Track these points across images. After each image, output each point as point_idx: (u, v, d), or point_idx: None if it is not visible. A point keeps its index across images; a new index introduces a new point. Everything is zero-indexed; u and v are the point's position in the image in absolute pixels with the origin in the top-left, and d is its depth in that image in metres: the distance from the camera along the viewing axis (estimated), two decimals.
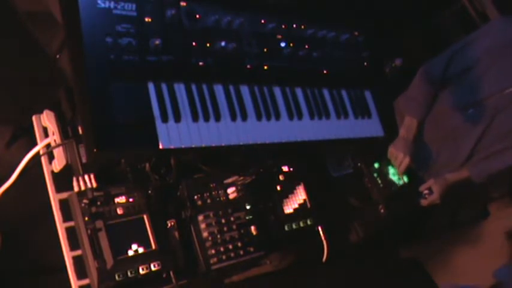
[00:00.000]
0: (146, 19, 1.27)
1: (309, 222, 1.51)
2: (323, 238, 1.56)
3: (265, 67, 1.47)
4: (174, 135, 1.23)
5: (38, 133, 1.34)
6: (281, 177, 1.52)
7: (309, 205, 1.53)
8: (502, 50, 1.60)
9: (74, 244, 1.21)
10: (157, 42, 1.25)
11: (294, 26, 1.57)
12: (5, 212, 1.39)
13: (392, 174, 1.74)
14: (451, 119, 1.70)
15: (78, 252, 1.20)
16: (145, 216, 1.22)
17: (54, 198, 1.26)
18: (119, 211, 1.20)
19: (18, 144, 1.65)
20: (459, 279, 2.13)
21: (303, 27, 1.58)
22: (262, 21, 1.49)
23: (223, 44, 1.37)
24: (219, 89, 1.37)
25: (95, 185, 1.23)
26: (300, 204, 1.51)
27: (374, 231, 1.68)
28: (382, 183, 1.74)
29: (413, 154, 1.74)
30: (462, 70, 1.67)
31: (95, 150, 1.12)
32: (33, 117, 1.35)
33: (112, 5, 1.22)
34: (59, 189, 1.27)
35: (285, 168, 1.54)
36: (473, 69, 1.65)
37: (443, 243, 2.19)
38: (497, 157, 1.62)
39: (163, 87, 1.27)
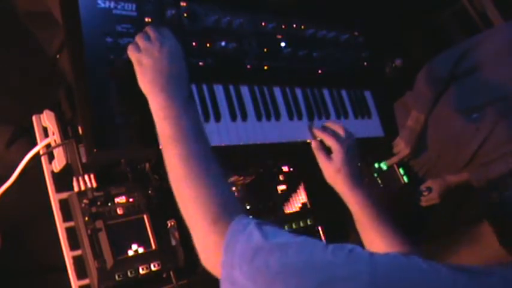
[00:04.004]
0: (146, 19, 1.27)
1: (309, 222, 1.51)
2: (323, 238, 1.56)
3: (265, 67, 1.47)
4: None
5: (38, 133, 1.34)
6: (281, 177, 1.52)
7: (309, 205, 1.53)
8: (508, 53, 1.59)
9: (74, 244, 1.20)
10: None
11: (294, 26, 1.57)
12: (5, 212, 1.39)
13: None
14: (455, 122, 1.70)
15: (78, 252, 1.20)
16: (145, 216, 1.23)
17: (54, 198, 1.25)
18: (119, 211, 1.20)
19: (18, 144, 1.64)
20: None
21: (303, 27, 1.58)
22: (262, 21, 1.49)
23: (223, 44, 1.37)
24: (219, 89, 1.37)
25: (95, 185, 1.23)
26: (300, 204, 1.52)
27: None
28: (382, 183, 1.74)
29: (414, 149, 1.73)
30: (469, 70, 1.67)
31: (95, 150, 1.12)
32: (33, 117, 1.34)
33: (112, 5, 1.22)
34: (59, 189, 1.27)
35: (285, 168, 1.55)
36: (479, 71, 1.64)
37: (443, 243, 2.19)
38: (498, 162, 1.62)
39: None
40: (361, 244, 1.63)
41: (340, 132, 1.32)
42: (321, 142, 1.32)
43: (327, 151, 1.30)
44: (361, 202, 1.21)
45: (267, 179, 1.50)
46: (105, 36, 1.19)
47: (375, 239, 1.18)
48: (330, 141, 1.29)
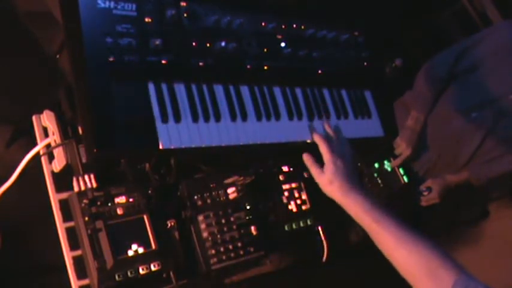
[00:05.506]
0: (146, 19, 1.27)
1: (309, 222, 1.51)
2: (323, 238, 1.56)
3: (265, 67, 1.47)
4: (174, 135, 1.23)
5: (38, 133, 1.34)
6: (281, 177, 1.52)
7: (309, 205, 1.53)
8: (508, 52, 1.59)
9: (74, 244, 1.20)
10: (157, 42, 1.25)
11: (294, 26, 1.57)
12: (5, 212, 1.39)
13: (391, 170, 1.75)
14: (454, 121, 1.70)
15: (78, 252, 1.20)
16: (145, 216, 1.22)
17: (54, 198, 1.26)
18: (119, 211, 1.20)
19: (18, 144, 1.65)
20: None
21: (303, 27, 1.58)
22: (262, 21, 1.49)
23: (223, 44, 1.37)
24: (219, 89, 1.37)
25: (95, 185, 1.23)
26: (300, 204, 1.51)
27: None
28: (382, 183, 1.74)
29: (415, 149, 1.73)
30: (468, 69, 1.67)
31: (95, 150, 1.12)
32: (33, 117, 1.35)
33: (112, 5, 1.22)
34: (59, 189, 1.27)
35: (285, 168, 1.54)
36: (478, 70, 1.65)
37: (443, 243, 2.19)
38: (498, 161, 1.62)
39: (163, 87, 1.27)
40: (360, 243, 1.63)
41: (334, 138, 1.36)
42: (312, 155, 1.34)
43: (320, 163, 1.31)
44: (357, 208, 1.20)
45: (267, 179, 1.50)
46: (105, 36, 1.19)
47: (388, 241, 1.15)
48: (322, 150, 1.31)
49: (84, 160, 1.25)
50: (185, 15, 1.33)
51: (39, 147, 1.32)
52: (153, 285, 1.23)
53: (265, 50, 1.47)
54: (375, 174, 1.74)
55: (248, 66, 1.43)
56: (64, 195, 1.25)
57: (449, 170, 1.73)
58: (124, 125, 1.16)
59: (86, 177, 1.23)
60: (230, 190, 1.38)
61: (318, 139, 1.34)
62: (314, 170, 1.31)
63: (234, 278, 1.43)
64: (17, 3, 1.69)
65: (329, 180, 1.27)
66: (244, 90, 1.42)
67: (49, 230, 1.25)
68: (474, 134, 1.65)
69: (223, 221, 1.34)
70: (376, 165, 1.75)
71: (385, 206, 1.21)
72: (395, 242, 1.13)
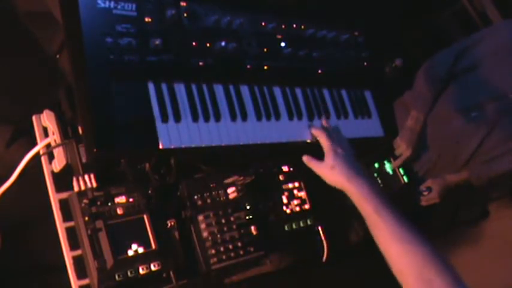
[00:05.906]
0: (146, 19, 1.27)
1: (309, 222, 1.51)
2: (323, 238, 1.56)
3: (265, 67, 1.47)
4: (174, 135, 1.23)
5: (38, 133, 1.34)
6: (281, 177, 1.52)
7: (309, 205, 1.53)
8: (508, 52, 1.59)
9: (74, 244, 1.21)
10: (157, 42, 1.25)
11: (294, 26, 1.57)
12: (5, 212, 1.39)
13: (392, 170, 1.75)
14: (454, 121, 1.70)
15: (78, 252, 1.20)
16: (145, 216, 1.22)
17: (54, 198, 1.26)
18: (119, 211, 1.20)
19: (18, 144, 1.64)
20: None
21: (303, 27, 1.58)
22: (262, 21, 1.49)
23: (223, 44, 1.37)
24: (219, 89, 1.38)
25: (95, 185, 1.23)
26: (300, 204, 1.51)
27: None
28: (382, 184, 1.74)
29: (415, 150, 1.73)
30: (468, 69, 1.67)
31: (94, 150, 1.12)
32: (33, 117, 1.35)
33: (112, 5, 1.22)
34: (59, 189, 1.27)
35: (285, 168, 1.54)
36: (478, 70, 1.65)
37: (443, 243, 2.19)
38: (498, 160, 1.62)
39: (163, 87, 1.27)
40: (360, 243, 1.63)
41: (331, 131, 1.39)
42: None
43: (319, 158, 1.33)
44: (362, 191, 1.18)
45: (267, 179, 1.50)
46: (105, 36, 1.19)
47: (384, 233, 1.11)
48: (321, 140, 1.35)
49: (84, 160, 1.25)
50: (185, 15, 1.33)
51: (39, 147, 1.32)
52: (153, 285, 1.23)
53: (265, 50, 1.48)
54: (375, 174, 1.74)
55: (248, 66, 1.44)
56: (64, 195, 1.25)
57: (449, 170, 1.73)
58: (124, 125, 1.16)
59: (86, 177, 1.23)
60: (230, 190, 1.38)
61: (316, 131, 1.39)
62: (314, 164, 1.33)
63: (234, 278, 1.43)
64: (17, 3, 1.69)
65: (330, 165, 1.27)
66: (244, 90, 1.43)
67: (49, 230, 1.25)
68: (474, 133, 1.65)
69: (223, 220, 1.34)
70: (376, 165, 1.75)
71: (389, 197, 1.18)
72: (392, 236, 1.09)
